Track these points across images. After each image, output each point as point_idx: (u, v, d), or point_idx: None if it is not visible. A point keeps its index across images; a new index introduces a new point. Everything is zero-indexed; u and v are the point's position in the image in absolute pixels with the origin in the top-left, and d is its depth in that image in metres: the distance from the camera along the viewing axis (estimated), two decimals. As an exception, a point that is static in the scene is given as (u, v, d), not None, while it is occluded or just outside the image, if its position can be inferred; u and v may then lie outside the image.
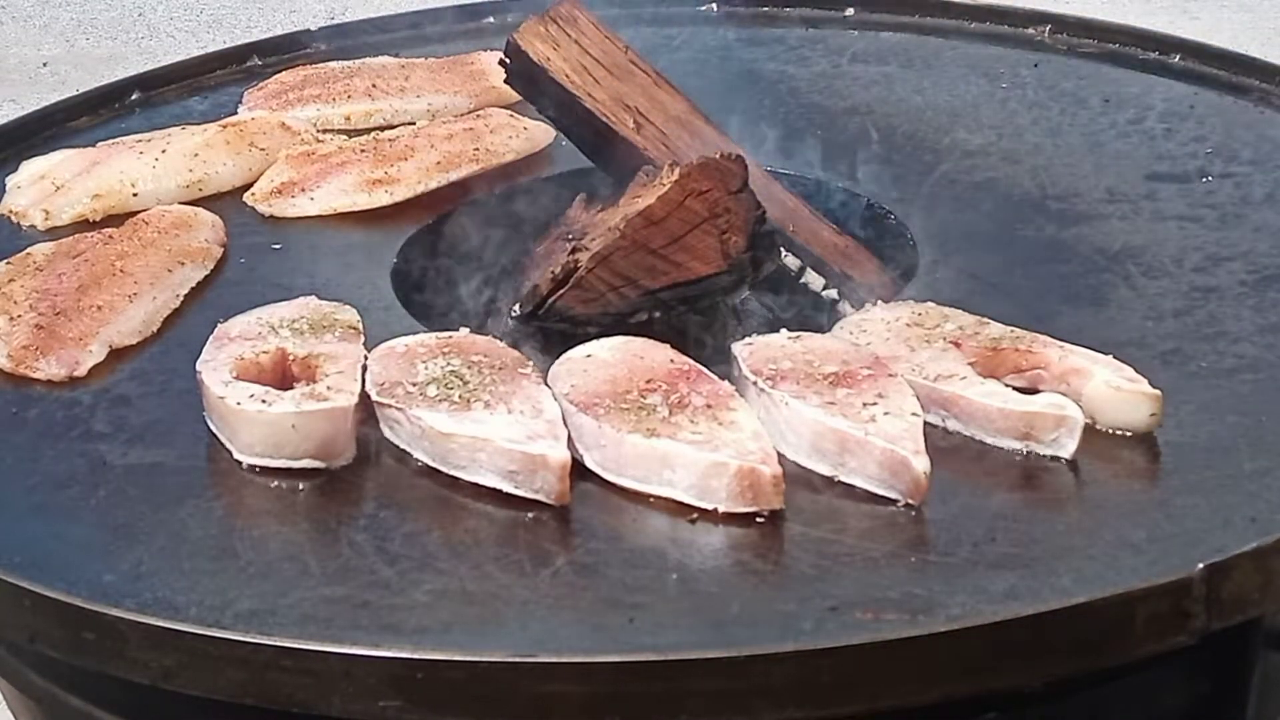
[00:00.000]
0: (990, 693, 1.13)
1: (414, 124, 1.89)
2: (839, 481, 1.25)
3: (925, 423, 1.26)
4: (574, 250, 1.52)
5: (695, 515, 1.22)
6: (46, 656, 1.23)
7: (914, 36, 2.14)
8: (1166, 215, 1.66)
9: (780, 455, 1.25)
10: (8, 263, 1.61)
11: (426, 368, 1.35)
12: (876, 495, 1.23)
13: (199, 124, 1.89)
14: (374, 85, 1.98)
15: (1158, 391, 1.30)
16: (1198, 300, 1.49)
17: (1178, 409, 1.31)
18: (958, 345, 1.37)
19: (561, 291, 1.49)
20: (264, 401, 1.30)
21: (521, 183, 1.79)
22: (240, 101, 2.00)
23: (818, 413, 1.27)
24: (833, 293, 1.65)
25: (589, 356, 1.37)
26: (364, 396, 1.33)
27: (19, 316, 1.51)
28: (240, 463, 1.31)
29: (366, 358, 1.38)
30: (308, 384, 1.35)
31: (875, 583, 1.14)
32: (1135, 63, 2.01)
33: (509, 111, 1.88)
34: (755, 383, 1.31)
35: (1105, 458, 1.27)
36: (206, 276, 1.61)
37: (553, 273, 1.51)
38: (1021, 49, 2.07)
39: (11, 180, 1.81)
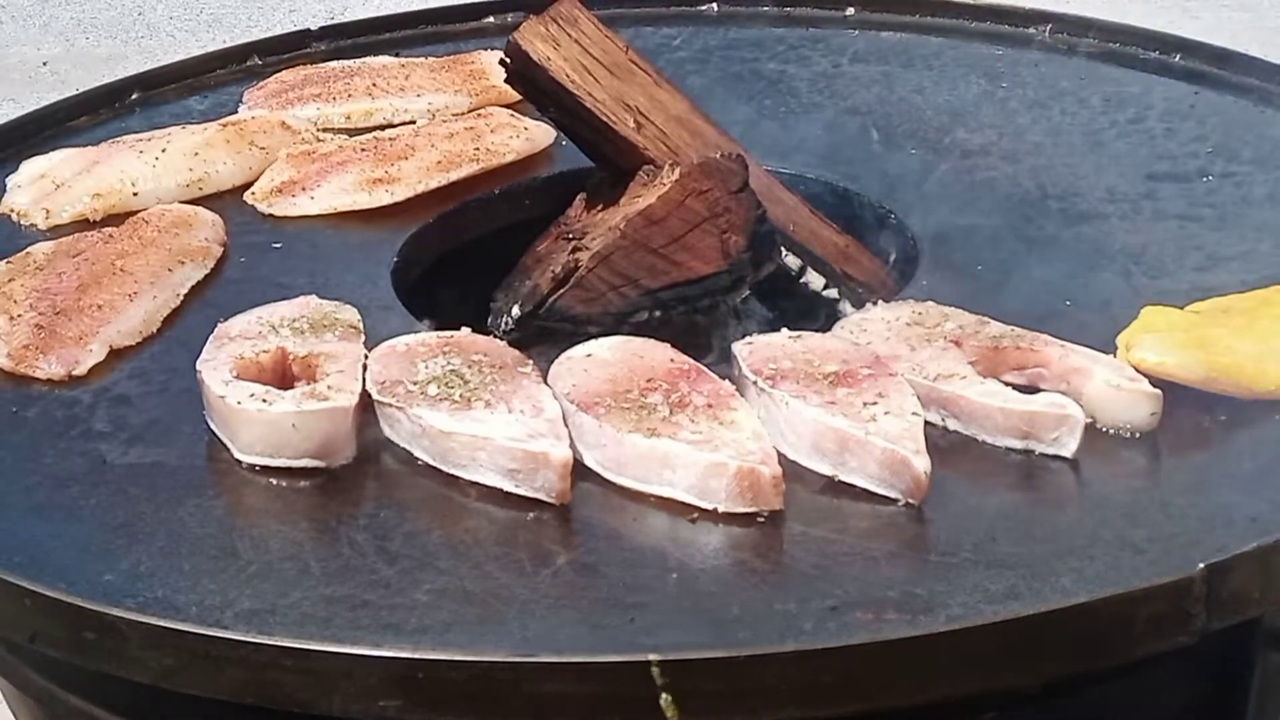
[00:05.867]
0: (990, 693, 1.13)
1: (414, 123, 1.89)
2: (839, 481, 1.25)
3: (925, 422, 1.26)
4: (574, 250, 1.52)
5: (695, 515, 1.22)
6: (46, 656, 1.23)
7: (914, 36, 2.14)
8: (1167, 215, 1.65)
9: (780, 455, 1.25)
10: (8, 262, 1.61)
11: (427, 367, 1.34)
12: (877, 495, 1.23)
13: (199, 123, 1.89)
14: (374, 84, 1.97)
15: (1158, 391, 1.29)
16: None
17: (1178, 408, 1.31)
18: (958, 344, 1.37)
19: (562, 291, 1.50)
20: (264, 401, 1.30)
21: (521, 182, 1.80)
22: (240, 101, 2.00)
23: (818, 412, 1.26)
24: (833, 293, 1.65)
25: (589, 356, 1.37)
26: (364, 396, 1.33)
27: (19, 316, 1.51)
28: (240, 462, 1.31)
29: (367, 357, 1.38)
30: (308, 383, 1.35)
31: (875, 583, 1.14)
32: (1135, 62, 2.01)
33: (509, 111, 1.88)
34: (755, 382, 1.31)
35: (1106, 457, 1.27)
36: (206, 275, 1.61)
37: (553, 272, 1.51)
38: (1021, 49, 2.07)
39: (12, 179, 1.81)
